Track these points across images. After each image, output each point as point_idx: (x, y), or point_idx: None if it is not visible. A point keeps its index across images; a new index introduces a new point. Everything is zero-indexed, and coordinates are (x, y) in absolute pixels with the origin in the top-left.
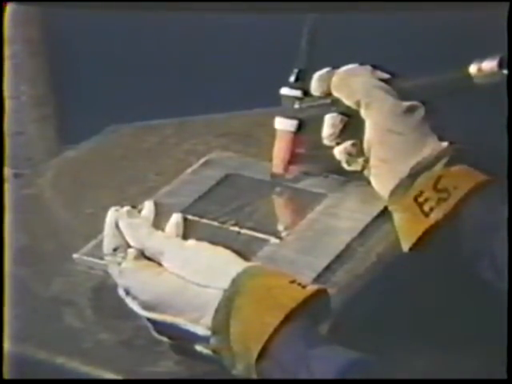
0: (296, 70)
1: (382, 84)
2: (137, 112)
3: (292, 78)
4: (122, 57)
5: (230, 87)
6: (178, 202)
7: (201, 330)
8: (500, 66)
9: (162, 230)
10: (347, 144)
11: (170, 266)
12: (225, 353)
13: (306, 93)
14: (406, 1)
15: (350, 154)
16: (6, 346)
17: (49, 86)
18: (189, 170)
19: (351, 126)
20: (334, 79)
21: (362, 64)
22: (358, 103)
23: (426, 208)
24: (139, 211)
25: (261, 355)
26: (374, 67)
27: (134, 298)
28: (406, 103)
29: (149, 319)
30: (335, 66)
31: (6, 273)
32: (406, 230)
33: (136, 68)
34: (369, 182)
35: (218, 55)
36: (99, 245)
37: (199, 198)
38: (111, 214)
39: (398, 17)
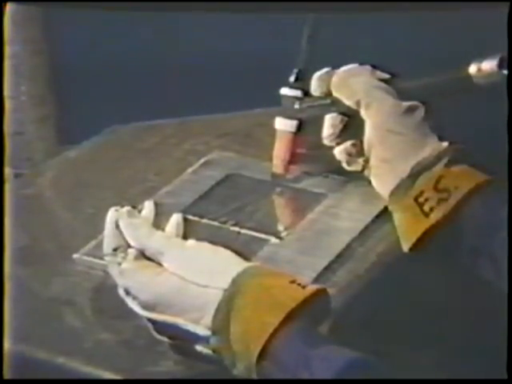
0: (296, 70)
1: (382, 84)
2: (137, 112)
3: (292, 78)
4: (122, 57)
5: (230, 87)
6: (178, 202)
7: (201, 330)
8: (500, 66)
9: (163, 230)
10: (347, 144)
11: (170, 266)
12: (225, 353)
13: (306, 93)
14: (406, 1)
15: (350, 154)
16: (6, 346)
17: (49, 86)
18: (189, 170)
19: (351, 126)
20: (334, 79)
21: (361, 64)
22: (357, 103)
23: (427, 208)
24: (139, 211)
25: (261, 355)
26: (374, 67)
27: (134, 297)
28: (406, 103)
29: (149, 319)
30: (335, 66)
31: (5, 273)
32: (406, 230)
33: (136, 68)
34: (369, 182)
35: (218, 55)
36: (99, 245)
37: (199, 198)
38: (111, 214)
39: (398, 17)
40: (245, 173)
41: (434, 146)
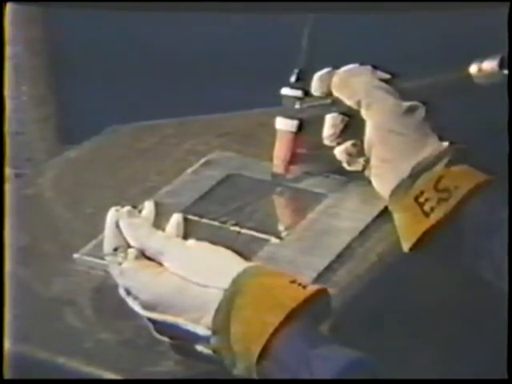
0: (296, 70)
1: (383, 84)
2: (137, 112)
3: (292, 78)
4: (121, 57)
5: (230, 87)
6: (179, 201)
7: (201, 330)
8: (500, 66)
9: (163, 229)
10: (348, 144)
11: (171, 266)
12: (225, 353)
13: (307, 93)
14: (406, 1)
15: (350, 154)
16: (6, 346)
17: (49, 86)
18: (189, 170)
19: (352, 126)
20: (335, 79)
21: (362, 64)
22: (358, 103)
23: (427, 208)
24: (139, 211)
25: (261, 355)
26: (375, 67)
27: (135, 297)
28: (407, 103)
29: (149, 319)
30: (336, 66)
31: (6, 273)
32: (407, 229)
33: (136, 68)
34: (369, 182)
35: (218, 55)
36: (100, 245)
37: (200, 198)
38: (112, 214)
39: (398, 17)
40: (245, 173)
41: (434, 145)
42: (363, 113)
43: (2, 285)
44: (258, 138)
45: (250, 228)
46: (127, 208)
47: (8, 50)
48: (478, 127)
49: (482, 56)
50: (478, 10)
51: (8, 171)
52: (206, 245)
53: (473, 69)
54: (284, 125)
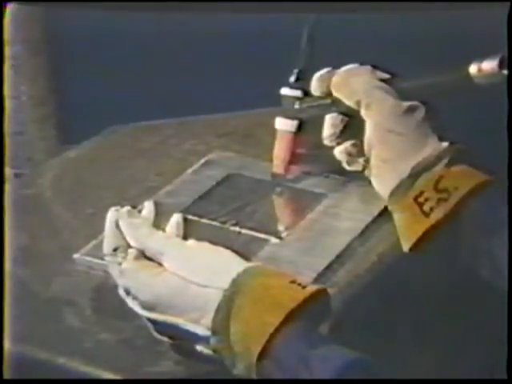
0: (296, 70)
1: (383, 84)
2: (137, 112)
3: (292, 78)
4: (122, 57)
5: (230, 87)
6: (179, 202)
7: (201, 330)
8: (500, 66)
9: (163, 230)
10: (348, 144)
11: (171, 266)
12: (225, 353)
13: (307, 93)
14: (406, 1)
15: (350, 154)
16: (6, 346)
17: (49, 86)
18: (189, 170)
19: (352, 126)
20: (334, 79)
21: (362, 64)
22: (358, 103)
23: (427, 208)
24: (139, 211)
25: (261, 355)
26: (374, 67)
27: (135, 297)
28: (407, 103)
29: (149, 319)
30: (335, 66)
31: (6, 273)
32: (407, 230)
33: (136, 68)
34: (369, 182)
35: (218, 55)
36: (99, 245)
37: (200, 198)
38: (111, 214)
39: (398, 17)
40: (245, 173)
41: (434, 146)
42: (363, 113)
43: (2, 285)
44: (258, 138)
45: (250, 228)
46: (127, 208)
47: (8, 50)
48: (477, 127)
49: (481, 56)
50: (478, 10)
51: (8, 171)
52: (205, 245)
53: (473, 69)
54: (284, 125)
